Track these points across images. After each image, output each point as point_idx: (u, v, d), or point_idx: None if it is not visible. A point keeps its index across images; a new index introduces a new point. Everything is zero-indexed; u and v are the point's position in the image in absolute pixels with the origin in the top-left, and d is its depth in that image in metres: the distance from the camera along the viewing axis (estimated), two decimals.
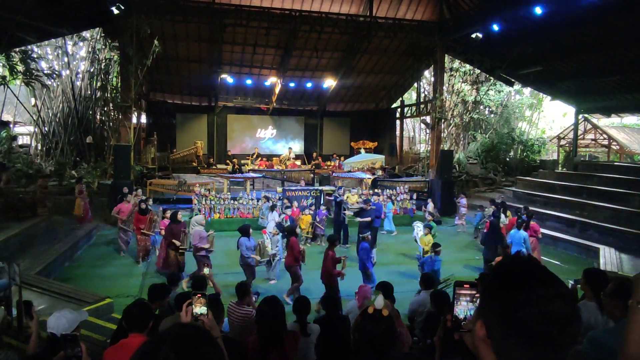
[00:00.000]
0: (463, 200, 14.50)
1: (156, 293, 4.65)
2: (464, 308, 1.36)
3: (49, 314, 3.34)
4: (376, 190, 15.49)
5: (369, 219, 11.07)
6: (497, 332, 1.05)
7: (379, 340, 2.24)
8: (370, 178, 17.25)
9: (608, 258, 10.70)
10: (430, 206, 14.02)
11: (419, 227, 10.96)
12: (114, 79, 19.45)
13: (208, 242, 8.77)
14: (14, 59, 14.62)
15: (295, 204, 12.90)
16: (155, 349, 0.99)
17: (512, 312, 1.00)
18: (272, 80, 20.67)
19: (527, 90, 26.36)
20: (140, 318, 3.29)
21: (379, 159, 20.38)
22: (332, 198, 15.32)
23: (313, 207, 13.50)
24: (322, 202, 14.40)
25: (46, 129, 18.58)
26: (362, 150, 22.80)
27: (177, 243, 8.83)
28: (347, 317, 4.58)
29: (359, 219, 11.23)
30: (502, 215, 11.39)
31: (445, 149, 20.49)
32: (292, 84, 21.19)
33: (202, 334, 1.10)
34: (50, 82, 17.49)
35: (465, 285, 1.38)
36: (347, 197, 14.06)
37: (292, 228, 8.92)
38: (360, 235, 8.84)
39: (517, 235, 9.06)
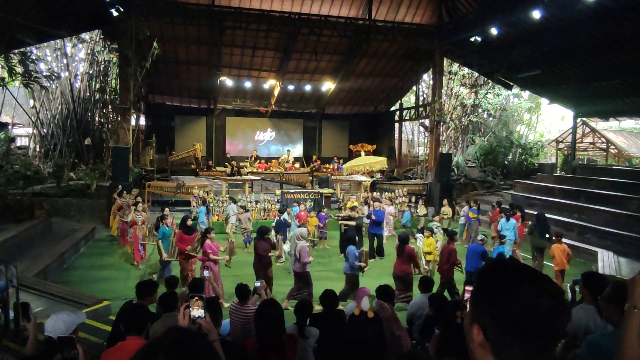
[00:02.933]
0: (390, 209, 14.25)
1: (145, 289, 4.59)
2: None
3: (46, 316, 3.33)
4: (375, 195, 15.39)
5: (353, 223, 10.94)
6: (493, 333, 1.07)
7: (367, 343, 2.22)
8: (368, 181, 17.25)
9: (606, 261, 10.71)
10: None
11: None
12: (113, 81, 19.45)
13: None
14: (13, 61, 14.60)
15: (303, 206, 12.91)
16: (151, 355, 0.98)
17: (503, 311, 1.04)
18: (271, 83, 20.68)
19: (526, 94, 26.42)
20: (138, 321, 3.28)
21: (381, 161, 20.27)
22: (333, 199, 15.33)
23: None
24: (322, 205, 14.38)
25: (45, 130, 18.56)
26: (362, 153, 22.80)
27: (276, 256, 8.65)
28: (343, 312, 4.59)
29: (348, 222, 11.20)
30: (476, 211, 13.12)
31: (444, 152, 20.51)
32: (291, 87, 21.21)
33: (198, 339, 1.10)
34: (49, 84, 17.46)
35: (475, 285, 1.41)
36: (348, 204, 13.95)
37: (406, 237, 8.65)
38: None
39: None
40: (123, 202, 11.86)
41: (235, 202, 13.37)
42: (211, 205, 14.00)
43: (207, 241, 8.11)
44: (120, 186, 13.01)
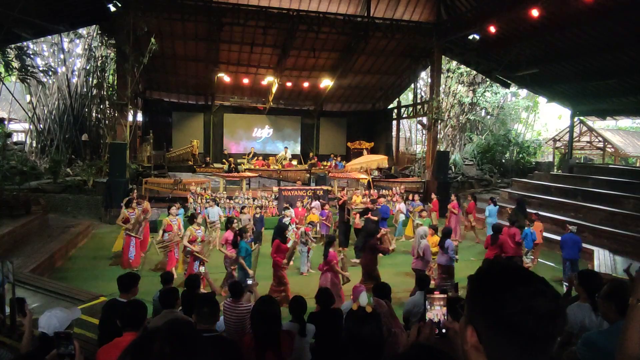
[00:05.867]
0: (401, 205, 14.27)
1: (127, 282, 4.55)
2: (437, 313, 1.40)
3: (42, 312, 3.32)
4: (382, 192, 15.40)
5: (375, 218, 10.98)
6: (487, 335, 1.07)
7: (366, 339, 2.22)
8: (366, 178, 17.24)
9: (602, 260, 10.76)
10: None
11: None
12: (111, 77, 19.37)
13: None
14: (10, 55, 14.53)
15: (300, 203, 12.88)
16: (148, 343, 0.99)
17: (498, 312, 1.04)
18: (269, 80, 20.64)
19: (523, 92, 26.46)
20: (135, 317, 3.27)
21: (382, 159, 20.22)
22: (328, 197, 15.33)
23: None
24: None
25: (41, 126, 18.48)
26: (365, 152, 22.80)
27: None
28: (340, 310, 4.60)
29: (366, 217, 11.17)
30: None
31: (442, 150, 20.53)
32: (289, 84, 21.17)
33: (192, 328, 1.10)
34: (45, 79, 17.40)
35: (435, 293, 1.43)
36: (352, 199, 13.98)
37: (500, 227, 9.26)
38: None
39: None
40: (131, 213, 10.11)
41: (217, 204, 13.24)
42: (192, 206, 13.76)
43: (331, 249, 7.67)
44: (134, 191, 12.20)
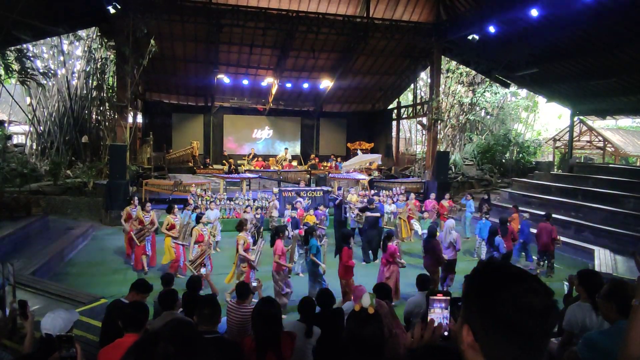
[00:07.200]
0: (392, 207, 14.33)
1: (142, 288, 4.61)
2: (438, 315, 1.40)
3: (43, 314, 3.32)
4: (375, 191, 15.47)
5: (378, 214, 11.21)
6: (484, 334, 1.08)
7: (367, 340, 2.22)
8: (366, 179, 17.26)
9: (603, 259, 10.75)
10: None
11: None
12: (110, 79, 19.37)
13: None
14: (9, 58, 14.54)
15: (299, 204, 12.90)
16: (152, 345, 0.99)
17: (493, 311, 1.05)
18: (269, 81, 20.65)
19: (523, 92, 26.46)
20: (137, 318, 3.28)
21: (376, 158, 20.31)
22: (329, 197, 15.35)
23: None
24: (323, 202, 14.40)
25: (41, 128, 18.47)
26: (359, 152, 22.86)
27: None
28: (341, 310, 4.59)
29: (368, 214, 11.26)
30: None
31: (442, 150, 20.53)
32: (288, 85, 21.18)
33: (194, 329, 1.11)
34: (45, 81, 17.37)
35: (438, 295, 1.43)
36: (349, 198, 14.02)
37: (506, 219, 9.83)
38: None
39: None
40: (175, 219, 9.60)
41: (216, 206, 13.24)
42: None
43: (391, 243, 8.20)
44: (135, 197, 11.21)
